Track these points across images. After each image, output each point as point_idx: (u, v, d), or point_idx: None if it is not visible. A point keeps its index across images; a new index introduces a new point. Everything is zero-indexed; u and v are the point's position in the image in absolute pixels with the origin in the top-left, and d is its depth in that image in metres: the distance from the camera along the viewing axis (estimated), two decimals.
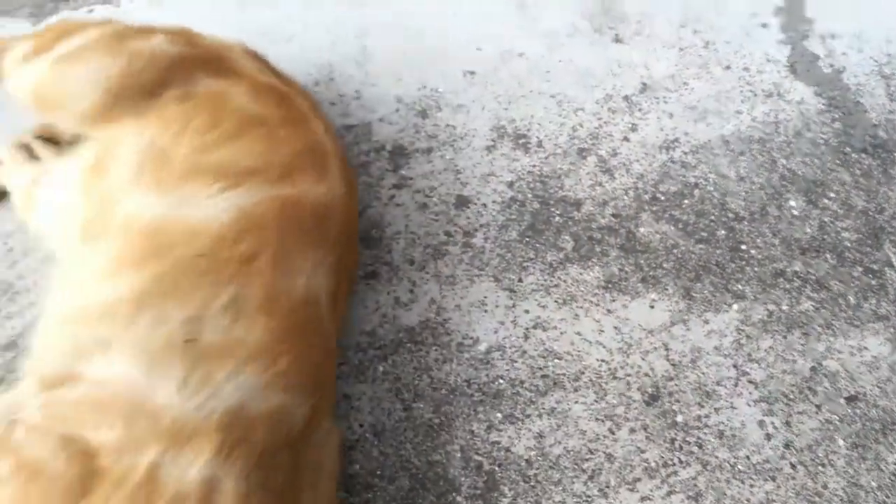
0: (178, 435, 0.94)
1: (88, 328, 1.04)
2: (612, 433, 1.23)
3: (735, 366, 1.24)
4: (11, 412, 0.99)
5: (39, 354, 1.13)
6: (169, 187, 1.12)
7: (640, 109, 1.70)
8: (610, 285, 1.38)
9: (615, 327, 1.33)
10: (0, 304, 1.62)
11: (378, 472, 1.22)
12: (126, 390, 0.97)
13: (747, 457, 1.23)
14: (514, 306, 1.39)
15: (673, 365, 1.25)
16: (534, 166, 1.62)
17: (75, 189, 1.24)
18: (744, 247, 1.39)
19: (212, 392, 0.99)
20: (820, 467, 1.24)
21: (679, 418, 1.26)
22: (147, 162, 1.17)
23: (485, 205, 1.57)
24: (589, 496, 1.17)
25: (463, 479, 1.21)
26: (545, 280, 1.41)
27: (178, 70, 1.29)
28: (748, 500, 1.20)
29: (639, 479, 1.18)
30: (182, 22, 1.43)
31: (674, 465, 1.22)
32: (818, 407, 1.28)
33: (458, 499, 1.19)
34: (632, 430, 1.22)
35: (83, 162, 1.26)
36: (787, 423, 1.26)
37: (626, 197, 1.53)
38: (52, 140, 1.71)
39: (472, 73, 1.84)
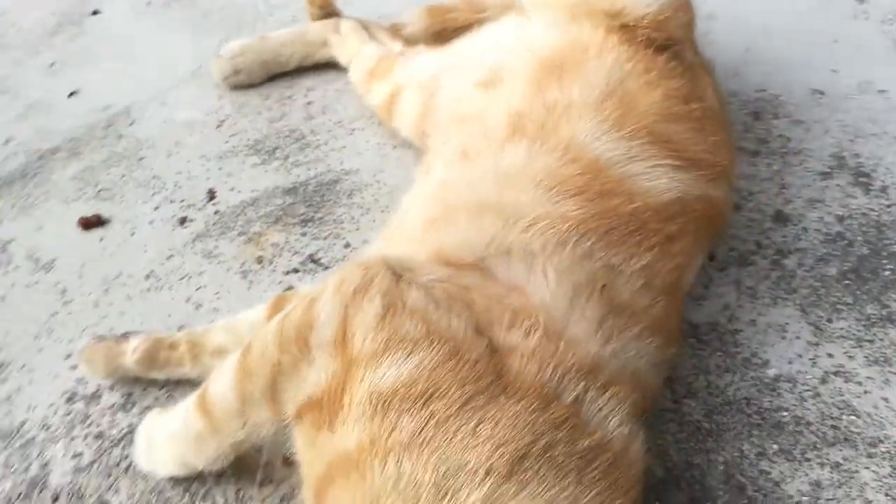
0: (597, 377, 0.96)
1: (508, 230, 1.08)
2: None
3: None
4: (399, 265, 1.03)
5: (432, 226, 1.17)
6: (626, 134, 1.16)
7: None
8: None
9: None
10: (290, 151, 1.72)
11: None
12: (545, 309, 0.99)
13: None
14: (817, 345, 1.32)
15: None
16: (871, 210, 1.53)
17: (518, 80, 1.28)
18: None
19: (622, 347, 1.02)
20: None
21: None
22: (613, 93, 1.20)
23: (805, 229, 1.50)
24: None
25: (721, 493, 1.17)
26: (859, 331, 1.34)
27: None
28: None
29: None
30: None
31: None
32: None
33: None
34: None
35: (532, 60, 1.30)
36: None
37: None
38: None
39: (822, 93, 1.76)
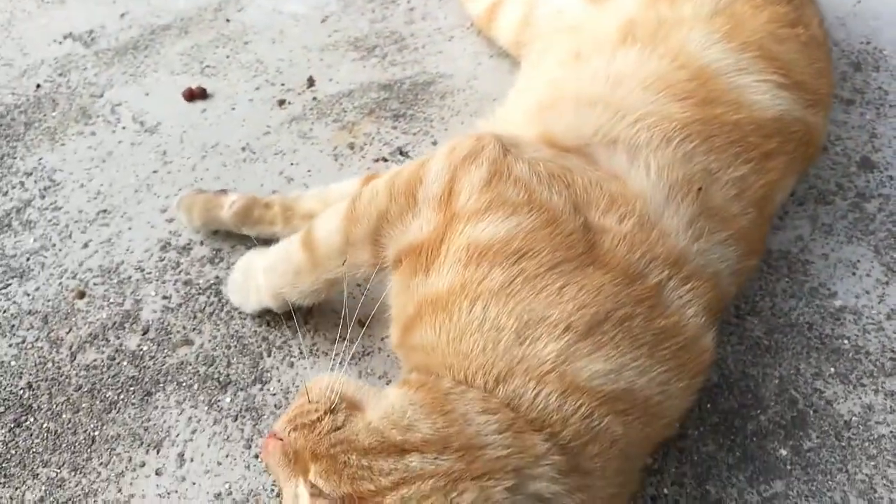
0: (681, 268, 1.01)
1: (616, 122, 1.13)
2: None
3: None
4: (508, 140, 1.09)
5: (537, 114, 1.23)
6: (736, 47, 1.19)
7: None
8: None
9: None
10: (388, 51, 1.79)
11: None
12: (642, 198, 1.04)
13: None
14: (887, 283, 1.35)
15: None
16: None
17: None
18: None
19: (708, 248, 1.06)
20: None
21: None
22: (723, 11, 1.24)
23: (891, 177, 1.52)
24: None
25: (772, 403, 1.22)
26: None
27: None
28: None
29: None
30: None
31: None
32: None
33: (762, 418, 1.20)
34: None
35: None
36: None
37: None
38: None
39: None
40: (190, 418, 1.24)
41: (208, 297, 1.38)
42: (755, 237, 1.16)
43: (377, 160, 1.58)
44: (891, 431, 1.17)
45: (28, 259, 1.46)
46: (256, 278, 1.27)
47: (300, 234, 1.21)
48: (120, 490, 1.17)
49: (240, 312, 1.36)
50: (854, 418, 1.19)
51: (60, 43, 1.93)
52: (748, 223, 1.13)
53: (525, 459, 0.83)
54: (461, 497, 0.78)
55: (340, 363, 1.05)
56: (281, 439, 0.87)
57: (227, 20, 1.95)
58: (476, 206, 0.99)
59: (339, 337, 1.28)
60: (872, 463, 1.14)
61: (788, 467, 1.14)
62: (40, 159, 1.65)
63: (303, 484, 0.83)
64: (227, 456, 1.19)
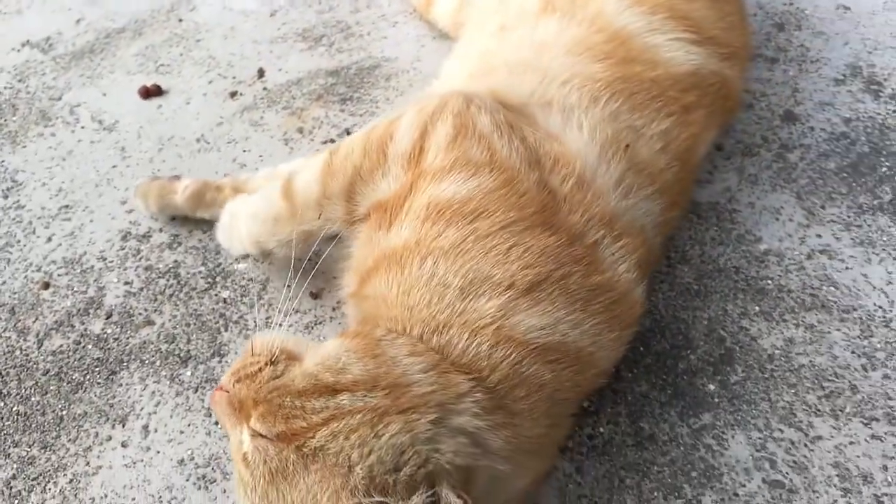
0: (614, 227, 1.04)
1: (547, 85, 1.16)
2: (865, 370, 1.24)
3: None
4: (471, 93, 1.12)
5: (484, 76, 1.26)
6: (647, 10, 1.24)
7: None
8: None
9: None
10: (335, 39, 1.83)
11: None
12: (580, 160, 1.07)
13: None
14: (808, 226, 1.40)
15: None
16: (878, 114, 1.59)
17: None
18: None
19: (635, 203, 1.10)
20: None
21: None
22: None
23: (812, 128, 1.57)
24: (819, 410, 1.20)
25: (702, 343, 1.27)
26: (849, 217, 1.42)
27: None
28: None
29: (876, 420, 1.19)
30: None
31: None
32: None
33: (692, 357, 1.25)
34: (886, 377, 1.23)
35: None
36: None
37: None
38: None
39: (847, 8, 1.81)
40: (153, 392, 1.28)
41: (168, 280, 1.42)
42: (678, 190, 1.21)
43: (325, 142, 1.63)
44: (809, 361, 1.22)
45: None
46: (240, 224, 1.29)
47: (281, 182, 1.23)
48: (88, 463, 1.21)
49: (197, 292, 1.40)
50: (777, 351, 1.24)
51: (18, 51, 1.96)
52: (672, 176, 1.17)
53: (448, 395, 0.87)
54: (386, 428, 0.82)
55: (285, 316, 1.09)
56: (227, 391, 0.91)
57: (180, 20, 1.99)
58: (441, 165, 1.02)
59: (292, 311, 1.31)
60: (793, 391, 1.20)
61: (716, 400, 1.19)
62: (2, 162, 1.68)
63: (246, 430, 0.87)
64: (189, 425, 1.24)
